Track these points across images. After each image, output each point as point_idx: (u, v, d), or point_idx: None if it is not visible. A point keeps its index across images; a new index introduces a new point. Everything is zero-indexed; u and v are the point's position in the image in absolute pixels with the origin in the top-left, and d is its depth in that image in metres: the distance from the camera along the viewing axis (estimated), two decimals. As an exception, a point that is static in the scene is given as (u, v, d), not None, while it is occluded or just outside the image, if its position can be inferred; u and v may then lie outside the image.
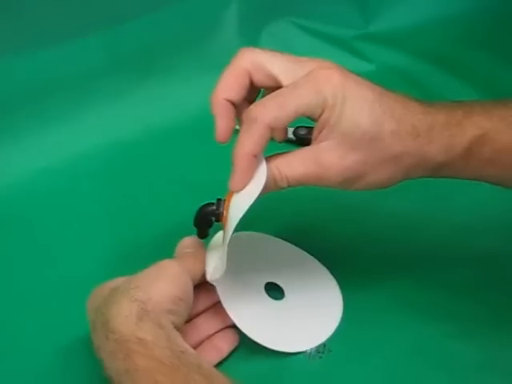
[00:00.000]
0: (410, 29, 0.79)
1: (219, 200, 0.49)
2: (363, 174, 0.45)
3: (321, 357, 0.49)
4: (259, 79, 0.45)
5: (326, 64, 0.45)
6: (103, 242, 0.57)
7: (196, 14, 0.71)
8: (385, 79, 0.72)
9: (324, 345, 0.49)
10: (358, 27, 0.78)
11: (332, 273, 0.53)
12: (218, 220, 0.48)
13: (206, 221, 0.49)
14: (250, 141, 0.44)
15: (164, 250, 0.55)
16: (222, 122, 0.46)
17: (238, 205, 0.47)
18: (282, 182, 0.46)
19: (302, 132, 0.66)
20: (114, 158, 0.64)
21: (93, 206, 0.60)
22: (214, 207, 0.48)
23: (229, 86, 0.46)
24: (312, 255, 0.54)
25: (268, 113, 0.43)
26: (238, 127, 0.46)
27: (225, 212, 0.48)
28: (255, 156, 0.45)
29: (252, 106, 0.44)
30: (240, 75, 0.45)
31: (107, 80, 0.67)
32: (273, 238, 0.56)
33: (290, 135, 0.66)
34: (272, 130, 0.44)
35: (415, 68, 0.75)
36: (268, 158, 0.46)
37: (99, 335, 0.42)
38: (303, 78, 0.44)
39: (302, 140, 0.66)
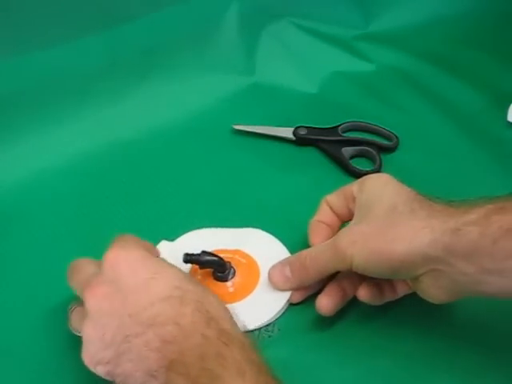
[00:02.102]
0: (410, 29, 0.79)
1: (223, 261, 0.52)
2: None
3: (270, 335, 0.49)
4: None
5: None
6: (103, 241, 0.57)
7: (196, 14, 0.71)
8: (385, 79, 0.74)
9: (273, 324, 0.50)
10: (358, 27, 0.78)
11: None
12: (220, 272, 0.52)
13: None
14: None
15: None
16: None
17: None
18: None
19: (302, 132, 0.66)
20: (114, 157, 0.64)
21: (93, 206, 0.60)
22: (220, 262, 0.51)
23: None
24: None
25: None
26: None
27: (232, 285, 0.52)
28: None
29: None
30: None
31: (107, 80, 0.67)
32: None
33: (290, 135, 0.66)
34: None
35: (415, 68, 0.75)
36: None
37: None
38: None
39: (302, 140, 0.66)
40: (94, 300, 0.42)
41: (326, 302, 0.49)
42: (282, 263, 0.51)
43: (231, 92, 0.71)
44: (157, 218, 0.59)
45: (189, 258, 0.51)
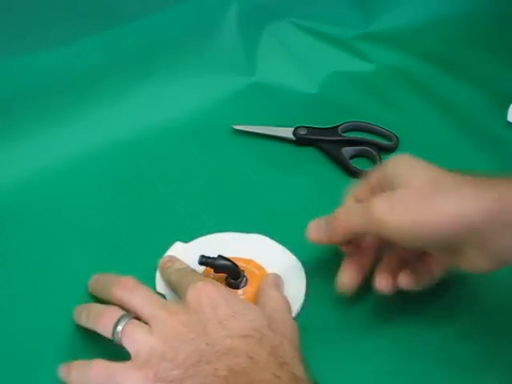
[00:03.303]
0: (411, 29, 0.79)
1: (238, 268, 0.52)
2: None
3: None
4: None
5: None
6: (104, 241, 0.57)
7: (196, 14, 0.71)
8: (385, 79, 0.74)
9: None
10: (358, 27, 0.78)
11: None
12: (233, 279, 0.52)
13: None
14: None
15: (164, 249, 0.55)
16: None
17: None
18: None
19: (302, 132, 0.66)
20: (114, 157, 0.64)
21: (93, 206, 0.60)
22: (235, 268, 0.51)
23: None
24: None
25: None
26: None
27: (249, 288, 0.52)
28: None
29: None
30: None
31: (107, 80, 0.67)
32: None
33: (290, 135, 0.66)
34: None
35: (415, 68, 0.75)
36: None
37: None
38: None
39: (302, 140, 0.66)
40: (172, 324, 0.43)
41: (345, 280, 0.49)
42: (323, 217, 0.50)
43: (231, 92, 0.71)
44: (156, 217, 0.59)
45: (204, 261, 0.51)
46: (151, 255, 0.54)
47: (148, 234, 0.57)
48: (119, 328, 0.44)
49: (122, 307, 0.46)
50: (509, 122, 0.68)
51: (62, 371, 0.45)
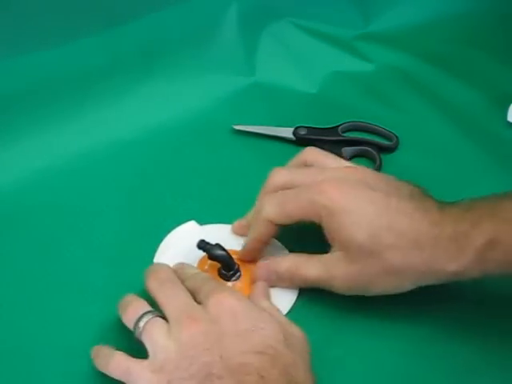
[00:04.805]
0: (410, 29, 0.79)
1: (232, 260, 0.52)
2: (368, 284, 0.48)
3: None
4: None
5: (336, 174, 0.50)
6: (104, 241, 0.57)
7: (196, 14, 0.71)
8: (385, 79, 0.74)
9: None
10: (358, 27, 0.78)
11: None
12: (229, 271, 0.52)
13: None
14: (255, 229, 0.51)
15: (164, 250, 0.55)
16: None
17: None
18: (298, 280, 0.51)
19: (302, 132, 0.66)
20: (114, 157, 0.64)
21: (93, 206, 0.60)
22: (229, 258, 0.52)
23: None
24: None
25: (270, 211, 0.50)
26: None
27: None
28: (262, 241, 0.52)
29: (261, 195, 0.52)
30: None
31: (107, 80, 0.67)
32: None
33: (290, 135, 0.66)
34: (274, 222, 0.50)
35: (415, 68, 0.75)
36: (294, 255, 0.52)
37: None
38: (305, 188, 0.49)
39: (302, 140, 0.66)
40: (190, 332, 0.43)
41: None
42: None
43: (231, 92, 0.71)
44: (157, 217, 0.59)
45: (202, 246, 0.51)
46: (152, 255, 0.55)
47: (148, 234, 0.57)
48: (141, 324, 0.44)
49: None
50: (509, 122, 0.68)
51: (92, 352, 0.46)
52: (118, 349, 0.45)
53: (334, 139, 0.66)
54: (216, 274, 0.52)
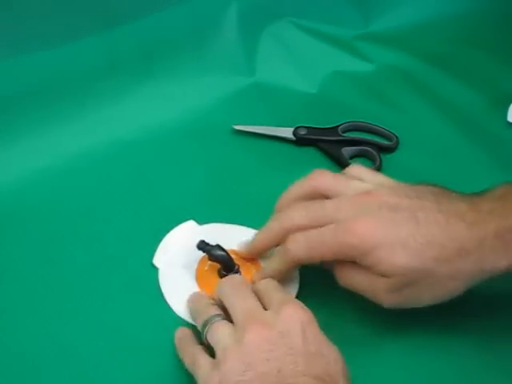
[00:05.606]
0: (410, 29, 0.79)
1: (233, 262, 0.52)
2: (419, 298, 0.47)
3: None
4: None
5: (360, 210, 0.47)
6: (103, 240, 0.57)
7: (196, 14, 0.71)
8: (385, 79, 0.74)
9: None
10: (358, 27, 0.78)
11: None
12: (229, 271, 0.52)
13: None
14: (280, 263, 0.50)
15: (164, 249, 0.55)
16: None
17: None
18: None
19: (302, 132, 0.66)
20: (114, 157, 0.64)
21: (93, 206, 0.60)
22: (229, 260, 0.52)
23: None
24: None
25: (299, 253, 0.48)
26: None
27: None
28: (282, 274, 0.50)
29: (291, 236, 0.48)
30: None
31: (107, 80, 0.67)
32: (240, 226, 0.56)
33: (290, 135, 0.66)
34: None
35: (415, 68, 0.75)
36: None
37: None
38: (328, 230, 0.47)
39: (302, 140, 0.66)
40: (256, 338, 0.42)
41: None
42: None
43: (231, 92, 0.71)
44: (157, 217, 0.59)
45: (202, 246, 0.51)
46: (151, 254, 0.55)
47: (148, 234, 0.57)
48: (208, 325, 0.45)
49: None
50: (509, 122, 0.68)
51: (177, 333, 0.48)
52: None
53: (334, 139, 0.66)
54: (215, 275, 0.52)
